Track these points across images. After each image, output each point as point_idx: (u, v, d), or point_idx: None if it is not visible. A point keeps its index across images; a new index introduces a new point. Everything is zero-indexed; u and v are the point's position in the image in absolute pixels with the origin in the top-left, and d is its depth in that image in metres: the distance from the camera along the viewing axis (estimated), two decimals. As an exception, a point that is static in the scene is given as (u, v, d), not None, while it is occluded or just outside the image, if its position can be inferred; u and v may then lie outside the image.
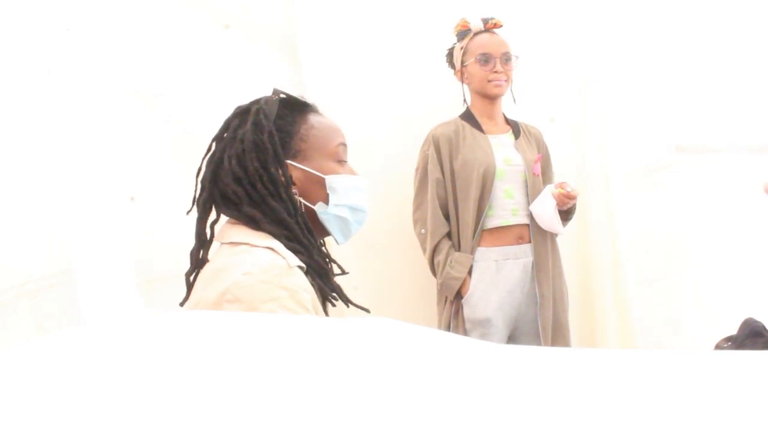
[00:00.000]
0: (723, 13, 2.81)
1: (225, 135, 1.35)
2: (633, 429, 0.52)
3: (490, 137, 2.54)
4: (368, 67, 2.65)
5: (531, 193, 2.50)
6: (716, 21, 2.80)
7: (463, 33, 2.56)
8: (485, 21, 2.54)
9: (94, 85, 2.26)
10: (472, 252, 2.47)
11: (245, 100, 1.38)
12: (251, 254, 1.26)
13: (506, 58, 2.52)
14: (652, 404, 0.55)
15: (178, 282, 1.35)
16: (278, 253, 1.26)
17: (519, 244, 2.51)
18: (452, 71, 2.62)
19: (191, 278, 1.35)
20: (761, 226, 2.82)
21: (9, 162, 1.85)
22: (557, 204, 2.43)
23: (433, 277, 2.56)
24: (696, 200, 2.86)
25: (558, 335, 2.54)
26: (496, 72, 2.50)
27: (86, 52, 2.24)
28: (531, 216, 2.50)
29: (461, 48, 2.55)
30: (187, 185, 1.38)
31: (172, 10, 2.46)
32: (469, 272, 2.47)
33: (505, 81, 2.53)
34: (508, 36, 2.55)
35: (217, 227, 1.37)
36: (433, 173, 2.50)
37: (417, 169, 2.56)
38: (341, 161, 1.40)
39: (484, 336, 2.43)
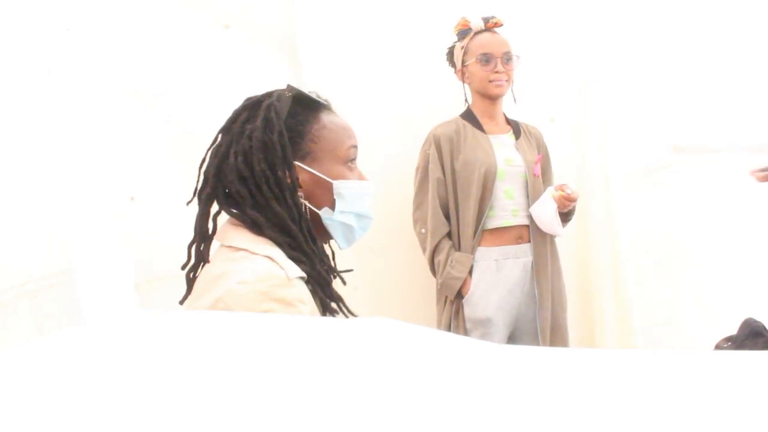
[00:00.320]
0: (723, 14, 2.81)
1: (233, 127, 1.30)
2: (633, 429, 0.52)
3: (491, 137, 2.54)
4: (368, 66, 2.65)
5: (531, 194, 2.50)
6: (716, 21, 2.80)
7: (464, 32, 2.54)
8: (486, 20, 2.53)
9: (94, 85, 2.26)
10: (473, 252, 2.47)
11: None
12: (250, 262, 1.22)
13: (507, 58, 2.51)
14: (652, 404, 0.55)
15: (178, 282, 1.34)
16: (277, 263, 1.22)
17: (518, 243, 2.51)
18: (452, 70, 2.62)
19: (191, 275, 1.31)
20: (761, 226, 2.82)
21: (9, 162, 1.85)
22: (558, 206, 2.42)
23: (432, 277, 2.56)
24: (696, 200, 2.86)
25: (556, 336, 2.54)
26: (497, 72, 2.49)
27: (86, 52, 2.24)
28: (530, 217, 2.50)
29: (462, 47, 2.54)
30: (188, 185, 1.35)
31: (172, 10, 2.46)
32: (470, 272, 2.47)
33: (506, 81, 2.52)
34: (508, 36, 2.54)
35: (219, 221, 1.33)
36: (434, 173, 2.50)
37: (417, 169, 2.56)
38: (351, 164, 1.36)
39: (484, 336, 2.43)
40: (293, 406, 0.53)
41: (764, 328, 1.55)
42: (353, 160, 1.37)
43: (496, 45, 2.51)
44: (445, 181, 2.51)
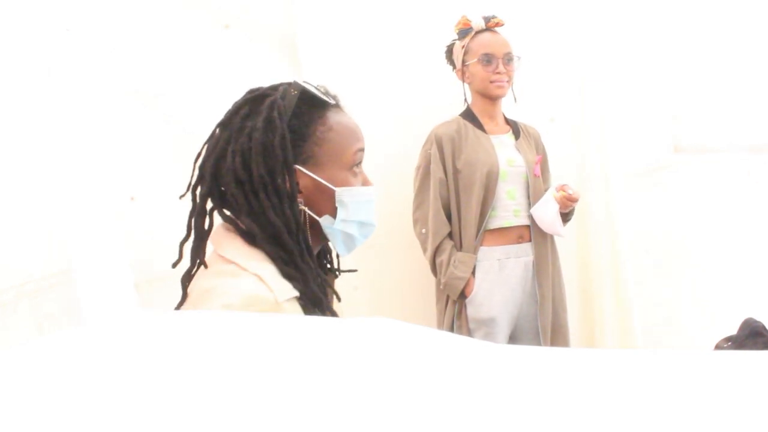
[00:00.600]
0: (723, 13, 2.81)
1: (232, 121, 1.21)
2: (633, 429, 0.52)
3: (492, 137, 2.53)
4: (368, 66, 2.66)
5: (532, 195, 2.50)
6: (716, 21, 2.80)
7: (465, 31, 2.53)
8: (487, 19, 2.51)
9: (94, 85, 2.26)
10: (475, 252, 2.47)
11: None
12: (237, 280, 1.14)
13: (508, 59, 2.50)
14: (652, 404, 0.55)
15: (178, 282, 1.34)
16: (267, 284, 1.13)
17: (519, 243, 2.51)
18: (451, 69, 2.62)
19: (187, 281, 1.24)
20: (761, 226, 2.82)
21: (9, 162, 1.85)
22: (560, 207, 2.42)
23: (432, 277, 2.55)
24: (696, 200, 2.86)
25: (558, 335, 2.55)
26: (498, 73, 2.48)
27: (86, 52, 2.24)
28: (531, 216, 2.50)
29: (462, 46, 2.53)
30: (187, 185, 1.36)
31: (172, 10, 2.46)
32: (473, 272, 2.47)
33: (507, 82, 2.51)
34: (508, 36, 2.54)
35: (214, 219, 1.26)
36: (436, 173, 2.49)
37: (418, 168, 2.56)
38: (356, 168, 1.28)
39: (487, 335, 2.43)
40: (293, 406, 0.53)
41: (764, 328, 1.54)
42: (359, 164, 1.29)
43: (498, 45, 2.49)
44: (446, 181, 2.50)
